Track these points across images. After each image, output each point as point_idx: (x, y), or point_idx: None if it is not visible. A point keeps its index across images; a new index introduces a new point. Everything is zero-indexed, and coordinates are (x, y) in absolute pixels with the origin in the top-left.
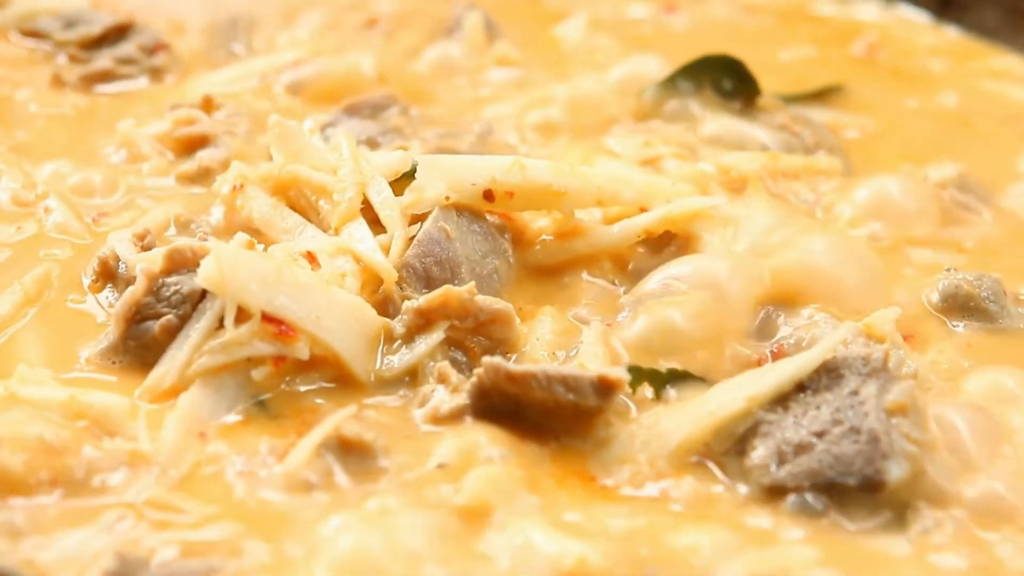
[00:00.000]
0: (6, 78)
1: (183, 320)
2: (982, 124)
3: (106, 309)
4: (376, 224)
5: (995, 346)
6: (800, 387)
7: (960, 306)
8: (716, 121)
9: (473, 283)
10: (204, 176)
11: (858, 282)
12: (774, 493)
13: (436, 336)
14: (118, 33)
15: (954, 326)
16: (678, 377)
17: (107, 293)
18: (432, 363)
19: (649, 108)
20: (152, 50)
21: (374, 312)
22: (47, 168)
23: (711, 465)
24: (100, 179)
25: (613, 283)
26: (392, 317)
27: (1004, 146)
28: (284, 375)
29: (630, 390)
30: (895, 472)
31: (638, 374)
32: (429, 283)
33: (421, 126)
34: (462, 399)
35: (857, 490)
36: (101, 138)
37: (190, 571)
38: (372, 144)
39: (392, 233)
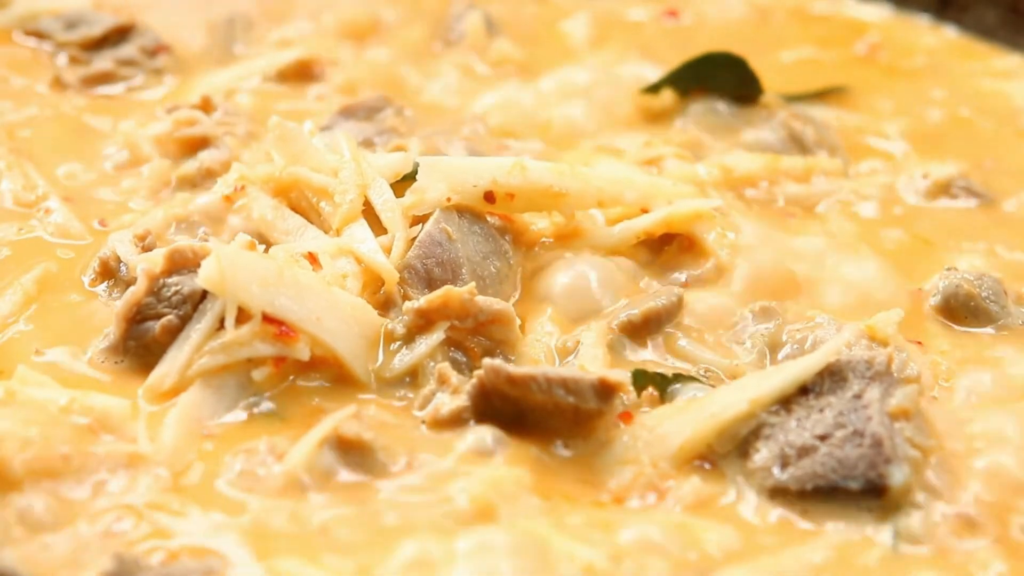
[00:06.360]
0: (7, 78)
1: (184, 320)
2: (982, 124)
3: (107, 309)
4: (377, 225)
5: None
6: (803, 390)
7: (961, 305)
8: (718, 120)
9: (474, 284)
10: (205, 177)
11: (858, 282)
12: (776, 495)
13: (436, 336)
14: (119, 34)
15: (954, 326)
16: (682, 380)
17: (108, 293)
18: (433, 363)
19: (651, 107)
20: (153, 52)
21: (375, 313)
22: (47, 169)
23: (712, 467)
24: (101, 180)
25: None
26: (393, 318)
27: (1004, 145)
28: (285, 376)
29: (634, 393)
30: (898, 476)
31: (642, 377)
32: (430, 284)
33: (417, 127)
34: (462, 401)
35: (860, 494)
36: (102, 139)
37: (188, 572)
38: (368, 145)
39: (393, 234)
